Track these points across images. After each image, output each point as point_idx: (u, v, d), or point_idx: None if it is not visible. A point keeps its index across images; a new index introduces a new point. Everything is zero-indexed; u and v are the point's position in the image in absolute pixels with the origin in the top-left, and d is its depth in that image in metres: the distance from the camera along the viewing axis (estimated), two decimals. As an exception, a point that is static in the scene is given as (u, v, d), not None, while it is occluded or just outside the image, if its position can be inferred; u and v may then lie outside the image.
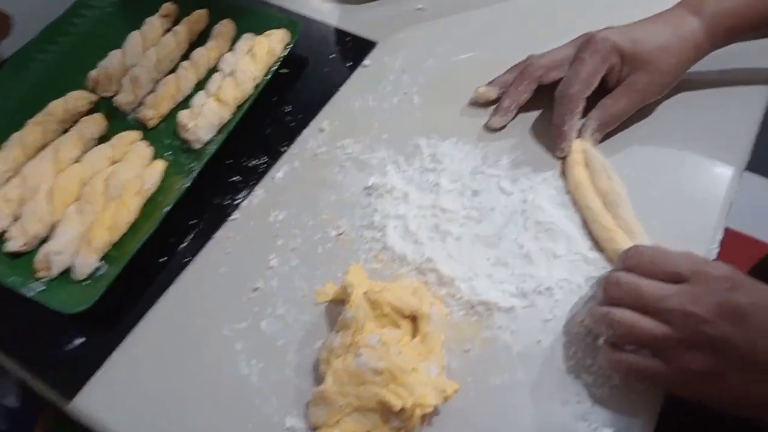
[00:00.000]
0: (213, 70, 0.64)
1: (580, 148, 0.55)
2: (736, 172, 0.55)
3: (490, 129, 0.58)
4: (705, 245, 0.50)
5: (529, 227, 0.53)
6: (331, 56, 0.67)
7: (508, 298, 0.49)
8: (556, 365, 0.46)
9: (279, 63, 0.62)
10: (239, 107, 0.59)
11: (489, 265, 0.51)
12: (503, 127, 0.59)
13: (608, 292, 0.42)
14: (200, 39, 0.67)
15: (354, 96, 0.64)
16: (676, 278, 0.39)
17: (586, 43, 0.54)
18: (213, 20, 0.68)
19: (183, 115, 0.58)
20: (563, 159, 0.56)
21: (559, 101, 0.54)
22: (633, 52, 0.53)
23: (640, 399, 0.43)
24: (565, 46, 0.56)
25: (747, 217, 1.75)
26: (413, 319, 0.46)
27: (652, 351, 0.39)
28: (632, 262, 0.42)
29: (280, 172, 0.59)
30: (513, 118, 0.59)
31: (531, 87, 0.57)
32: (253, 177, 0.58)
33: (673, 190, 0.54)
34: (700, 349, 0.37)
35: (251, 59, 0.60)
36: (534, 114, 0.60)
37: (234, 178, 0.58)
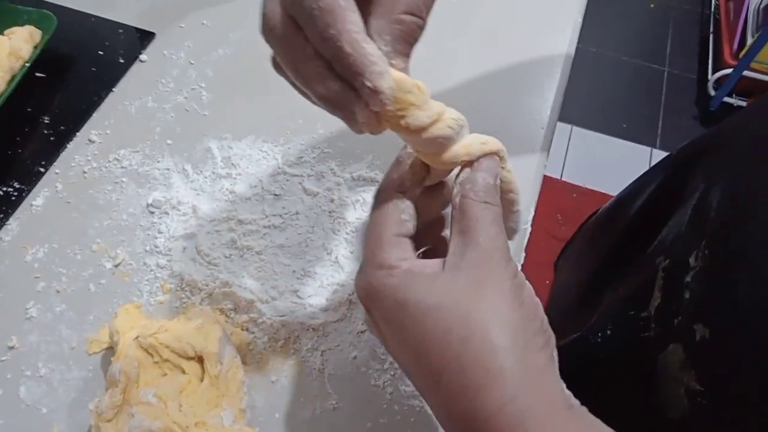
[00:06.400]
0: (-56, 81, 0.51)
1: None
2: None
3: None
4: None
5: (338, 229, 0.48)
6: (99, 53, 0.57)
7: (317, 314, 0.44)
8: (372, 382, 0.41)
9: (27, 67, 0.51)
10: (-26, 125, 0.48)
11: (295, 279, 0.45)
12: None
13: None
14: (-74, 43, 0.54)
15: (130, 98, 0.54)
16: None
17: None
18: (-57, 19, 0.55)
19: None
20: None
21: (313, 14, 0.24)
22: None
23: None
24: None
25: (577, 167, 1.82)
26: (201, 359, 0.39)
27: None
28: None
29: (38, 198, 0.48)
30: None
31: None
32: (3, 208, 0.47)
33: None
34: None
35: (-15, 64, 0.49)
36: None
37: (-23, 213, 0.47)
